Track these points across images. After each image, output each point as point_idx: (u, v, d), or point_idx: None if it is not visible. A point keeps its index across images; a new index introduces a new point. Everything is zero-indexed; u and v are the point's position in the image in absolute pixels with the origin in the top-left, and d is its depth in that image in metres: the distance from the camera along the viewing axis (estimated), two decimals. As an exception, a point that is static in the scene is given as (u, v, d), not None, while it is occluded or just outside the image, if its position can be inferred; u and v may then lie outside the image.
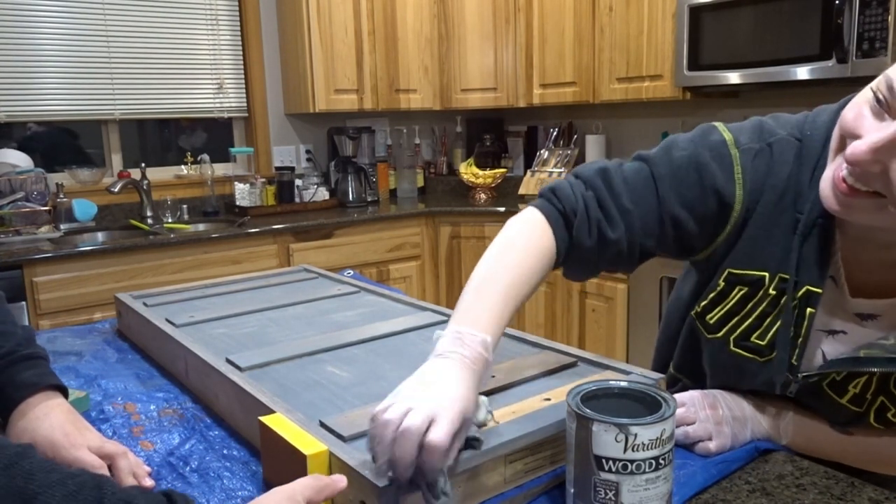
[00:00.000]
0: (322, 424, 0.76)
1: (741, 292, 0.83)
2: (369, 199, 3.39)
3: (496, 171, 3.42)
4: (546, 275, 0.84)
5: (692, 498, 0.72)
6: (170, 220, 2.99)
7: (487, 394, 0.85)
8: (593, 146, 3.21)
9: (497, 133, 3.78)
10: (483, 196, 3.40)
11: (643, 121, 3.22)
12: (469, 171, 3.43)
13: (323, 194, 3.29)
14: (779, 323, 0.80)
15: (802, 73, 2.19)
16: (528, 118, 3.76)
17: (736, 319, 0.84)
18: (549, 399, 0.82)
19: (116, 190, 2.76)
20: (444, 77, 3.45)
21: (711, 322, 0.87)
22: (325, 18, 3.07)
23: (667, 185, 0.83)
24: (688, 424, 0.82)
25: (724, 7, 2.39)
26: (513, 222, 0.86)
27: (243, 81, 3.27)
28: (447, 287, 3.26)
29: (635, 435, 0.60)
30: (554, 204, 0.85)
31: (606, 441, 0.61)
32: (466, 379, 0.68)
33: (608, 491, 0.62)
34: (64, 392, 0.84)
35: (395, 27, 3.29)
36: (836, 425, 0.83)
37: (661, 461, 0.62)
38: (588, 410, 0.63)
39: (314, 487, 0.63)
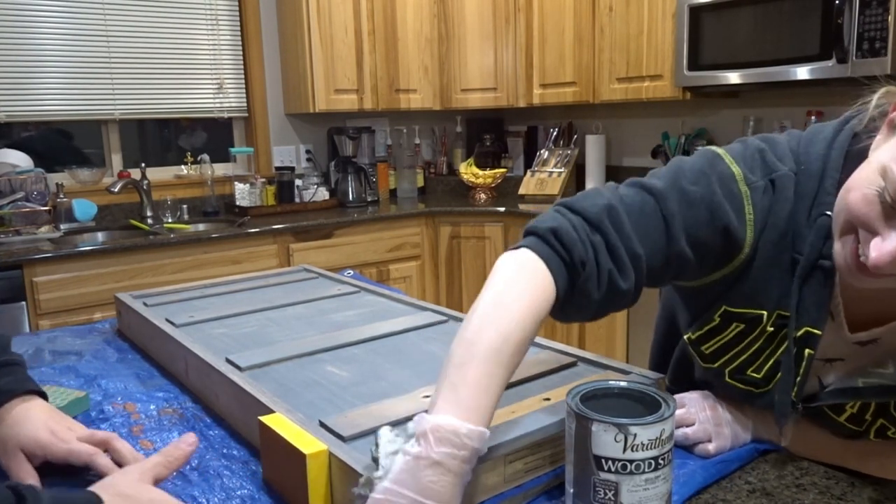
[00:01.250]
0: (322, 424, 0.76)
1: (737, 329, 0.81)
2: (369, 199, 3.39)
3: (496, 171, 3.42)
4: (541, 325, 0.73)
5: (692, 498, 0.72)
6: (170, 220, 2.99)
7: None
8: (593, 146, 3.21)
9: (497, 133, 3.78)
10: (483, 196, 3.40)
11: (643, 121, 3.22)
12: (469, 171, 3.43)
13: (323, 194, 3.30)
14: (775, 356, 0.78)
15: (802, 73, 2.19)
16: (528, 118, 3.76)
17: (732, 353, 0.82)
18: (548, 399, 0.81)
19: (116, 190, 2.76)
20: (444, 77, 3.45)
21: (707, 353, 0.84)
22: (325, 18, 3.07)
23: (678, 224, 0.76)
24: (687, 426, 0.82)
25: (724, 7, 2.39)
26: (507, 266, 0.73)
27: (243, 81, 3.28)
28: (447, 287, 3.26)
29: (635, 435, 0.60)
30: (557, 250, 0.73)
31: (606, 441, 0.61)
32: (460, 494, 0.62)
33: (607, 491, 0.62)
34: (43, 396, 0.83)
35: (395, 27, 3.29)
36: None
37: (661, 461, 0.62)
38: (587, 410, 0.63)
39: (162, 464, 0.68)
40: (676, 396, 0.84)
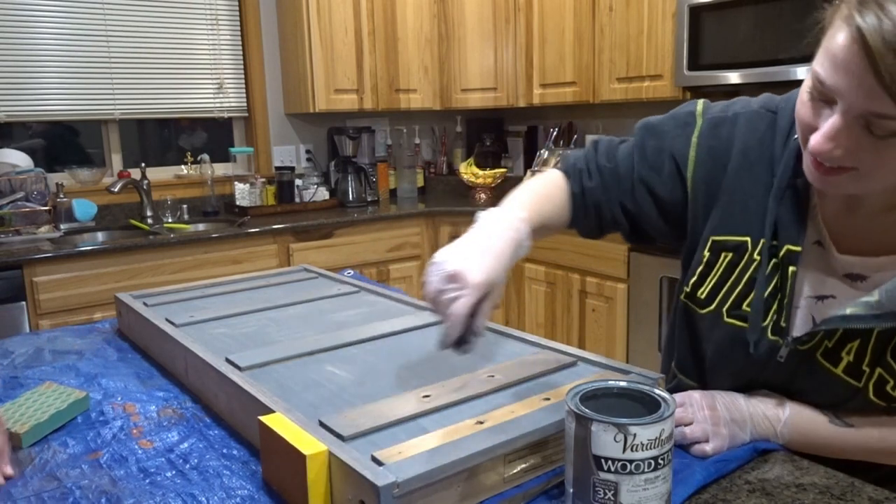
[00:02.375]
0: (321, 424, 0.76)
1: (726, 259, 0.87)
2: (369, 198, 3.39)
3: (496, 170, 3.42)
4: (564, 208, 0.99)
5: (691, 497, 0.72)
6: (170, 220, 2.99)
7: (487, 394, 0.85)
8: (593, 146, 3.21)
9: (497, 133, 3.78)
10: (483, 196, 3.40)
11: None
12: (469, 171, 3.43)
13: (323, 194, 3.30)
14: (768, 288, 0.82)
15: (802, 73, 2.18)
16: (528, 118, 3.76)
17: (726, 289, 0.87)
18: (548, 399, 0.82)
19: (116, 190, 2.76)
20: (444, 77, 3.45)
21: (703, 297, 0.89)
22: (325, 18, 3.07)
23: (637, 151, 0.96)
24: (685, 425, 0.82)
25: (724, 7, 2.39)
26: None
27: (243, 81, 3.28)
28: (447, 287, 3.26)
29: (634, 435, 0.60)
30: (561, 163, 1.05)
31: (605, 441, 0.61)
32: (500, 241, 0.80)
33: (607, 491, 0.62)
34: None
35: (395, 27, 3.29)
36: (836, 412, 0.82)
37: (660, 461, 0.62)
38: (587, 410, 0.63)
39: None
40: (676, 396, 0.84)
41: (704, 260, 0.89)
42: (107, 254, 2.42)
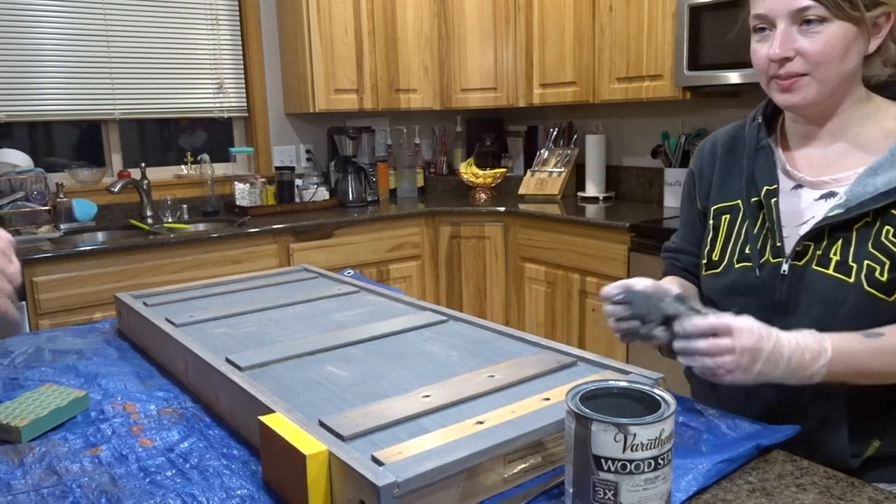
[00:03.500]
0: (321, 424, 0.76)
1: (726, 220, 1.05)
2: (369, 198, 3.39)
3: (496, 170, 3.42)
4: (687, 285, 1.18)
5: (692, 498, 0.72)
6: (170, 220, 2.99)
7: (487, 394, 0.85)
8: (593, 146, 3.21)
9: (497, 133, 3.78)
10: (483, 196, 3.40)
11: (643, 120, 3.22)
12: (469, 171, 3.43)
13: (323, 194, 3.30)
14: (762, 233, 0.98)
15: (802, 73, 2.18)
16: (528, 118, 3.76)
17: (731, 243, 1.03)
18: (548, 399, 0.82)
19: (116, 190, 2.76)
20: (444, 77, 3.45)
21: (716, 258, 1.05)
22: (325, 18, 3.07)
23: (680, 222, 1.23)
24: (721, 354, 0.81)
25: (724, 7, 2.39)
26: None
27: (243, 81, 3.28)
28: (447, 287, 3.26)
29: (634, 435, 0.60)
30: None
31: (605, 441, 0.61)
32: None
33: (607, 491, 0.62)
34: None
35: (395, 27, 3.29)
36: (866, 332, 0.87)
37: (660, 461, 0.62)
38: (587, 410, 0.63)
39: None
40: (724, 319, 0.83)
41: (711, 227, 1.07)
42: (107, 254, 2.42)
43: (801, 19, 0.89)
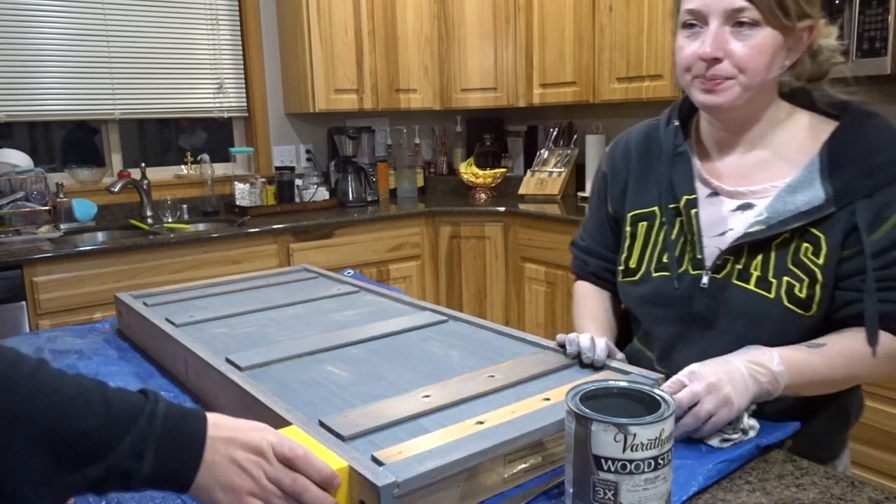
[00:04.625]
0: (321, 424, 0.76)
1: (643, 227, 1.05)
2: (369, 198, 3.39)
3: (496, 170, 3.42)
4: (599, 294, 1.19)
5: (692, 498, 0.72)
6: (170, 220, 2.99)
7: (487, 394, 0.85)
8: (593, 146, 3.21)
9: (497, 133, 3.78)
10: (483, 196, 3.40)
11: (643, 120, 3.21)
12: (469, 171, 3.43)
13: (323, 194, 3.30)
14: (679, 241, 0.99)
15: (802, 73, 2.18)
16: (528, 118, 3.76)
17: (648, 251, 1.03)
18: (548, 399, 0.82)
19: (116, 190, 2.76)
20: (444, 77, 3.45)
21: (633, 265, 1.05)
22: (325, 18, 3.07)
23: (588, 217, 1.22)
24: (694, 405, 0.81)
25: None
26: None
27: (243, 81, 3.27)
28: (447, 287, 3.26)
29: (634, 435, 0.61)
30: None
31: (605, 441, 0.61)
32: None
33: (607, 491, 0.62)
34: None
35: (395, 27, 3.29)
36: (806, 343, 0.89)
37: (660, 461, 0.62)
38: (587, 410, 0.63)
39: (288, 455, 0.63)
40: (683, 378, 0.83)
41: (628, 233, 1.07)
42: (107, 254, 2.42)
43: (735, 21, 0.88)
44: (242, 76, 3.27)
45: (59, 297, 2.34)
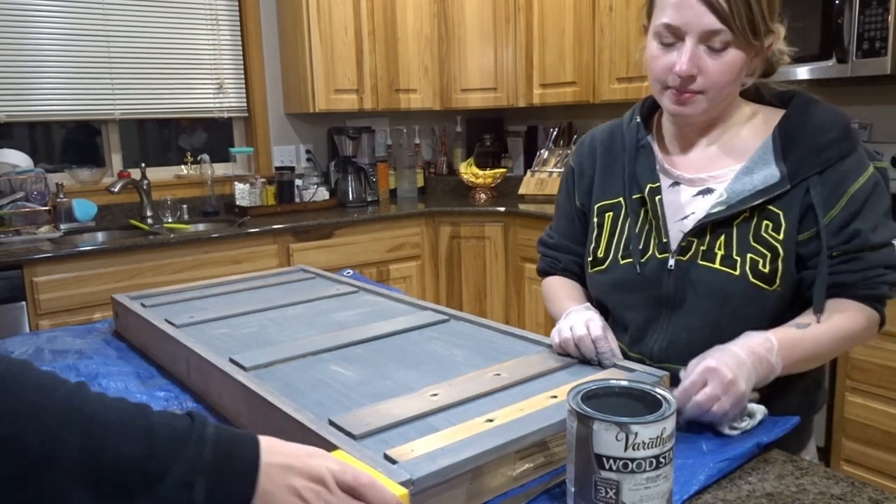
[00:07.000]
0: (332, 423, 0.76)
1: (610, 217, 1.09)
2: (369, 199, 3.39)
3: (496, 170, 3.42)
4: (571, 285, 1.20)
5: (692, 497, 0.72)
6: (170, 220, 3.00)
7: (495, 392, 0.86)
8: (593, 146, 3.21)
9: (497, 133, 3.78)
10: (483, 196, 3.40)
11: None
12: (469, 171, 3.44)
13: (323, 194, 3.30)
14: (645, 229, 1.03)
15: (802, 72, 2.19)
16: (528, 118, 3.77)
17: (615, 240, 1.07)
18: (555, 396, 0.82)
19: (116, 190, 2.76)
20: (444, 77, 3.45)
21: (601, 255, 1.08)
22: (325, 18, 3.07)
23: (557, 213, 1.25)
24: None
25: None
26: None
27: (243, 81, 3.28)
28: (447, 287, 3.27)
29: (636, 434, 0.61)
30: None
31: (607, 440, 0.62)
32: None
33: (609, 489, 0.63)
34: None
35: (395, 27, 3.29)
36: (795, 323, 0.92)
37: (662, 460, 0.62)
38: (589, 409, 0.64)
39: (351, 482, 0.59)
40: (695, 373, 0.83)
41: (595, 224, 1.10)
42: (107, 254, 2.42)
43: (709, 41, 0.92)
44: (242, 76, 3.27)
45: (59, 298, 2.34)
